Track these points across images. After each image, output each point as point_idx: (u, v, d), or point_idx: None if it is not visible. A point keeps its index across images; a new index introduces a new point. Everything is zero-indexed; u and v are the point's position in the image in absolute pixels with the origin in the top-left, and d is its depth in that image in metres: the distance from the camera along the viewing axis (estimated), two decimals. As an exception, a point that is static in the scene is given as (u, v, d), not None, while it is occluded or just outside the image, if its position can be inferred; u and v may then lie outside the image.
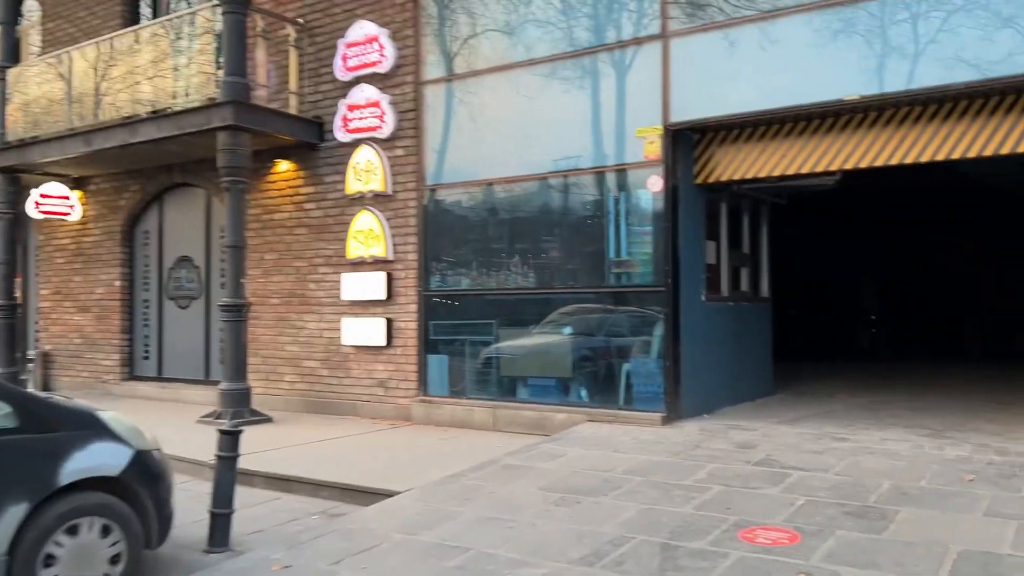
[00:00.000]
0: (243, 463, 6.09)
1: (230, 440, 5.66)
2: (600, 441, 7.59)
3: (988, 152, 7.06)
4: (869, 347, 19.05)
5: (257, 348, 11.35)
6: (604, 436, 7.79)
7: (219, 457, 5.65)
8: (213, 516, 5.56)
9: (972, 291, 18.33)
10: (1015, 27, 6.63)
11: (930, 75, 6.97)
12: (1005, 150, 7.02)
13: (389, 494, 6.38)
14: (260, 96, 11.00)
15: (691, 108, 8.16)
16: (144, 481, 4.82)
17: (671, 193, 8.28)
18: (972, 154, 7.15)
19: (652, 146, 8.30)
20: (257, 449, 8.22)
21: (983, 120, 7.13)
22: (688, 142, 8.62)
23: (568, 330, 8.90)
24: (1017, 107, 6.99)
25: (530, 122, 9.16)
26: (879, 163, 7.62)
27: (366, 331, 10.20)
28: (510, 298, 9.40)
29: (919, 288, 18.85)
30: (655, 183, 8.30)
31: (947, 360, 16.51)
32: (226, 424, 7.43)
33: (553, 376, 9.01)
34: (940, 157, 7.31)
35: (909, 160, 7.48)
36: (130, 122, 10.92)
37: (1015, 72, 6.61)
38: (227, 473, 5.62)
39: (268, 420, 10.11)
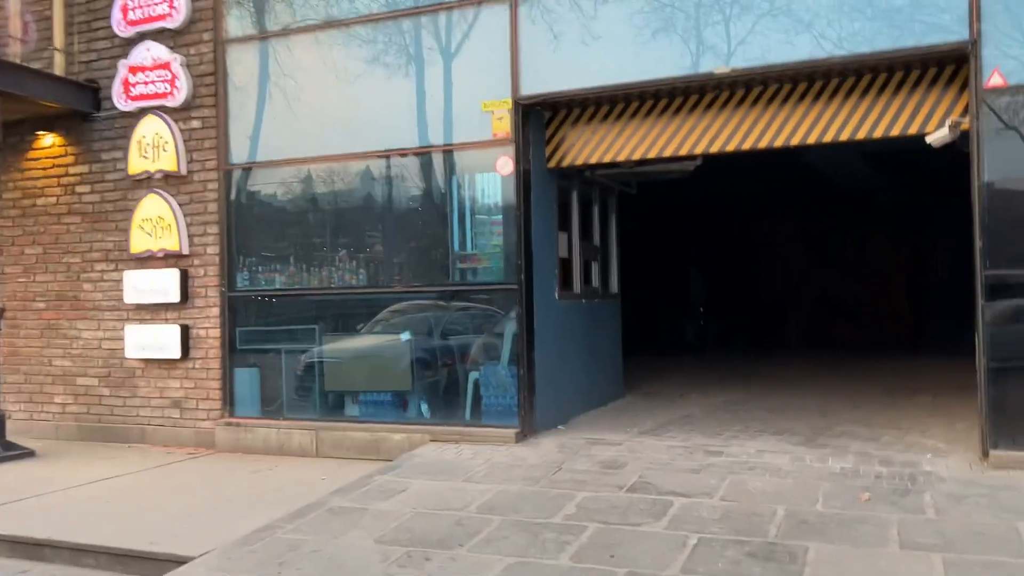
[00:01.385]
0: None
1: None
2: (447, 467, 6.41)
3: (860, 136, 6.55)
4: (697, 340, 19.19)
5: (17, 363, 9.20)
6: (451, 460, 6.63)
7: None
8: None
9: (796, 283, 18.87)
10: None
11: (810, 48, 6.36)
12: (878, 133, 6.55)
13: (178, 561, 4.86)
14: (13, 52, 8.86)
15: (543, 80, 7.15)
16: None
17: (523, 178, 7.24)
18: (843, 137, 6.63)
19: (501, 123, 7.21)
20: (3, 499, 6.35)
21: (854, 101, 6.63)
22: (540, 120, 7.62)
23: (406, 335, 7.64)
24: (889, 90, 6.53)
25: (358, 92, 7.80)
26: (746, 146, 6.96)
27: (156, 341, 8.41)
28: (336, 299, 8.00)
29: (745, 280, 19.21)
30: (505, 165, 7.22)
31: (772, 350, 16.85)
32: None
33: (388, 389, 7.72)
34: (811, 140, 6.75)
35: (778, 144, 6.86)
36: None
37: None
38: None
39: (29, 454, 8.10)
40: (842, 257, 20.39)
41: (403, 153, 7.64)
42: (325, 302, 8.02)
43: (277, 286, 8.16)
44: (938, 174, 13.03)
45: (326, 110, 7.93)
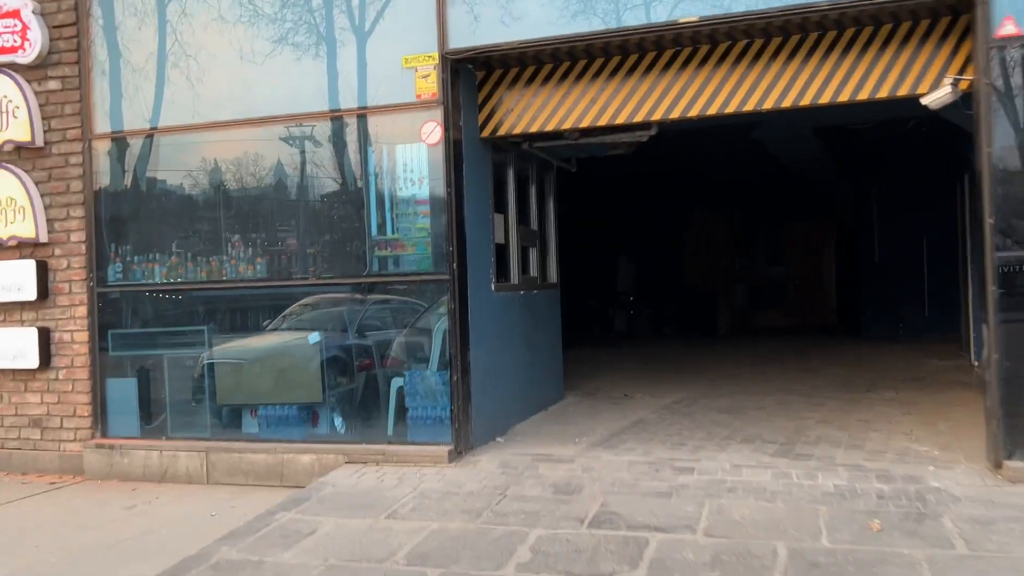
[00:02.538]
0: None
1: None
2: (367, 498, 5.27)
3: (843, 98, 5.68)
4: (628, 329, 18.49)
5: None
6: (371, 489, 5.48)
7: None
8: None
9: (725, 268, 18.33)
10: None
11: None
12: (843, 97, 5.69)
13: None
14: None
15: (475, 31, 6.03)
16: None
17: (453, 148, 6.12)
18: (824, 100, 5.75)
19: (426, 81, 6.07)
20: None
21: (835, 59, 5.75)
22: (472, 81, 6.51)
23: (315, 337, 6.44)
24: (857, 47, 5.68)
25: (255, 44, 6.51)
26: (712, 111, 6.01)
27: (9, 347, 6.95)
28: (229, 294, 6.71)
29: (674, 266, 18.58)
30: (432, 132, 6.08)
31: (704, 339, 16.24)
32: None
33: (294, 401, 6.51)
34: (787, 104, 5.84)
35: (748, 107, 5.93)
36: None
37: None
38: None
39: None
40: (771, 241, 20.05)
41: (310, 119, 6.41)
42: (216, 298, 6.72)
43: (158, 280, 6.81)
44: (880, 150, 12.58)
45: (216, 66, 6.61)
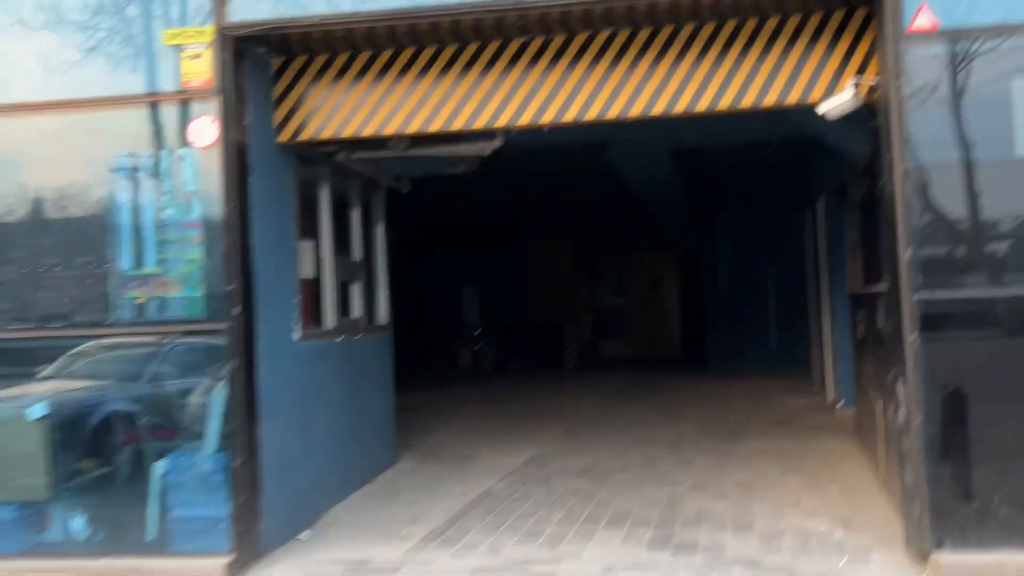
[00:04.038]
0: None
1: None
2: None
3: (722, 106, 4.69)
4: (473, 366, 17.32)
5: None
6: (103, 636, 3.81)
7: None
8: None
9: (571, 301, 17.57)
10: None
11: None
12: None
13: None
14: None
15: (264, 1, 4.59)
16: None
17: (236, 153, 4.61)
18: (700, 108, 4.75)
19: (196, 64, 4.53)
20: None
21: (712, 60, 4.76)
22: (264, 69, 5.04)
23: (39, 410, 4.65)
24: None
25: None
26: (568, 118, 4.86)
27: None
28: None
29: (521, 299, 17.61)
30: (204, 131, 4.54)
31: (552, 376, 15.33)
32: None
33: (10, 499, 4.69)
34: (656, 111, 4.79)
35: (611, 115, 4.84)
36: None
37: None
38: None
39: None
40: (617, 270, 19.60)
41: (33, 110, 4.69)
42: None
43: None
44: (729, 178, 12.12)
45: None
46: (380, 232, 7.25)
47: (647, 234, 16.93)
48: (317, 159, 5.77)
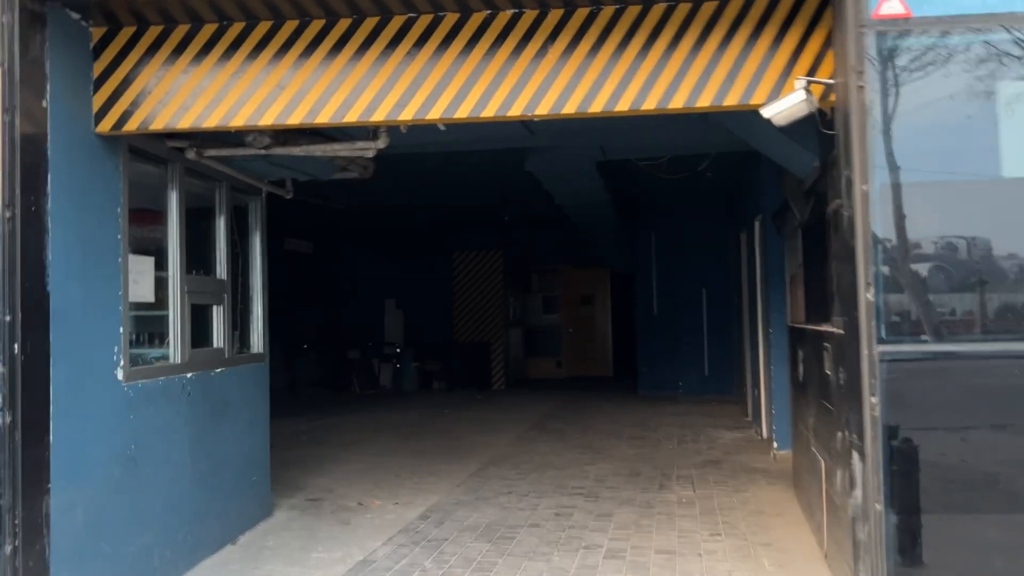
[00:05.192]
0: None
1: None
2: None
3: (649, 105, 3.84)
4: (394, 385, 16.34)
5: None
6: None
7: None
8: None
9: (498, 318, 16.67)
10: None
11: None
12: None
13: None
14: None
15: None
16: None
17: (24, 146, 3.55)
18: (621, 107, 3.89)
19: (-33, 25, 3.46)
20: None
21: (637, 50, 3.91)
22: (78, 39, 3.99)
23: None
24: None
25: None
26: (461, 114, 3.96)
27: None
28: None
29: (444, 314, 16.66)
30: (-27, 114, 3.47)
31: (479, 397, 14.44)
32: None
33: None
34: (568, 110, 3.92)
35: (512, 113, 3.96)
36: None
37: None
38: None
39: None
40: (546, 287, 18.81)
41: None
42: None
43: None
44: (656, 193, 11.41)
45: None
46: (258, 245, 6.22)
47: (579, 248, 16.19)
48: (162, 157, 4.73)
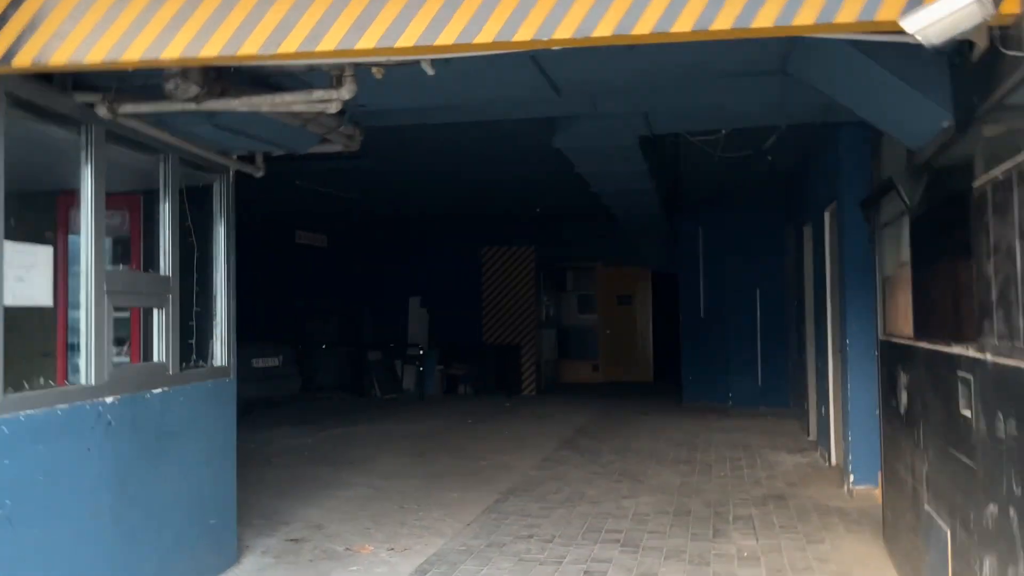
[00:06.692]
0: None
1: None
2: None
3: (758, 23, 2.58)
4: (417, 390, 15.17)
5: None
6: None
7: None
8: None
9: (529, 319, 15.44)
10: None
11: None
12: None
13: None
14: None
15: None
16: None
17: None
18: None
19: None
20: None
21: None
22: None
23: None
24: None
25: None
26: (445, 41, 2.74)
27: None
28: None
29: (473, 314, 15.46)
30: None
31: (502, 402, 13.29)
32: None
33: None
34: (599, 33, 2.67)
35: (521, 38, 2.71)
36: None
37: None
38: None
39: None
40: (581, 287, 17.55)
41: None
42: None
43: None
44: (706, 179, 10.02)
45: None
46: (222, 234, 5.06)
47: (618, 244, 14.88)
48: (72, 116, 3.59)
